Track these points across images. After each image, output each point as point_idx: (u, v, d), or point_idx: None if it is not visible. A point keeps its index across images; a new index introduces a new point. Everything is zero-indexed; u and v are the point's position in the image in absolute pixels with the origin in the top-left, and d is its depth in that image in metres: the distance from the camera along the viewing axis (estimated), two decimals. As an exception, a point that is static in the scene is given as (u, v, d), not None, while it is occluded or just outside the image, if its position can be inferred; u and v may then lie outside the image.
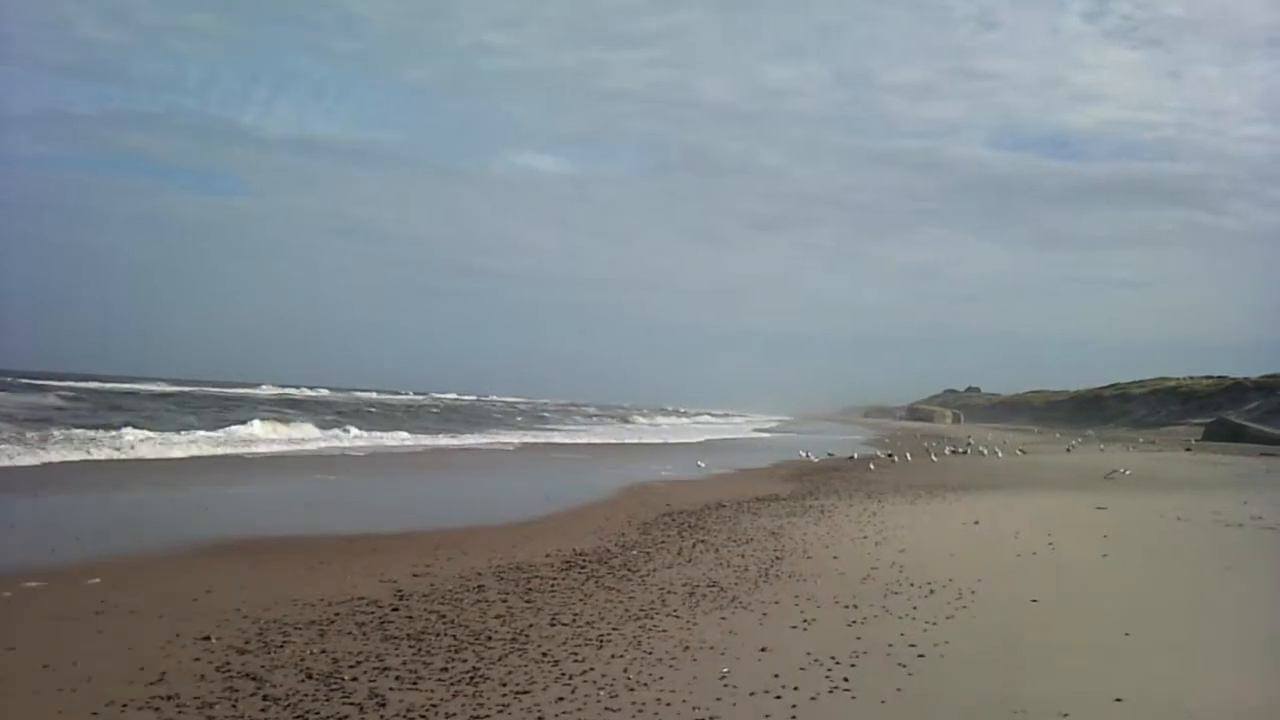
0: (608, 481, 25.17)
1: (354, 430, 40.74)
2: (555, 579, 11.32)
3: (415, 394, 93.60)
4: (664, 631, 8.78)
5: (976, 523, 16.71)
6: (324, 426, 40.95)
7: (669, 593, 10.56)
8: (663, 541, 14.57)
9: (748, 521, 17.16)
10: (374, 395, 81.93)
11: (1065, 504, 20.50)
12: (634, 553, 13.48)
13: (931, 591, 10.58)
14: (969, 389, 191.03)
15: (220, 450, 29.25)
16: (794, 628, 9.00)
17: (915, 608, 9.79)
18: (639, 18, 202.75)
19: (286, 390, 78.31)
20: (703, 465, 31.14)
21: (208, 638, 8.25)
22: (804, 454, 39.45)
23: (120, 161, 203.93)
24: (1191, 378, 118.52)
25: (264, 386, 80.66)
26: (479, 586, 10.74)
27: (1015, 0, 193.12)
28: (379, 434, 40.92)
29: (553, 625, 8.94)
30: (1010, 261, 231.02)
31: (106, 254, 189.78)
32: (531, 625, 8.92)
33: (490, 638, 8.45)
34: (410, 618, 9.12)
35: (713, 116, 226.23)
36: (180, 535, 13.77)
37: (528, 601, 9.99)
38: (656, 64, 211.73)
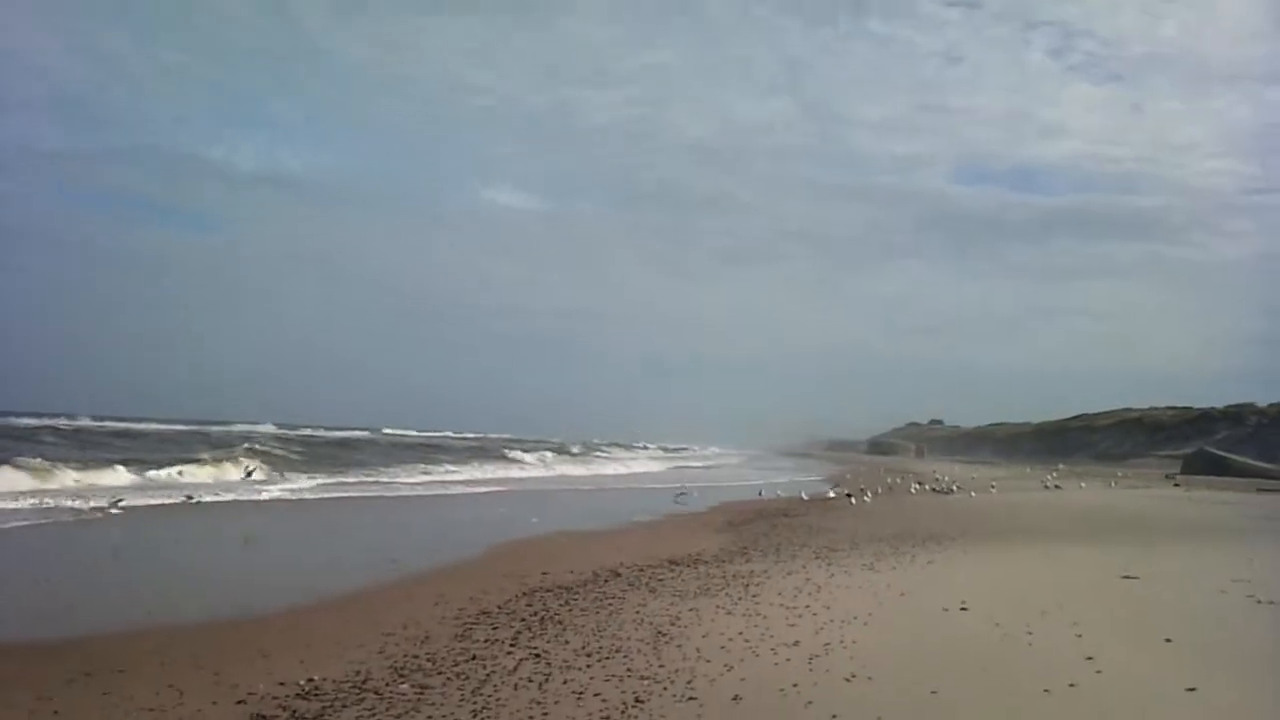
0: (489, 535, 19.71)
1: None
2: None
3: (369, 430, 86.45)
4: None
5: (963, 608, 11.36)
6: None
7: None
8: (473, 657, 9.09)
9: (634, 606, 11.77)
10: (321, 432, 74.51)
11: (1078, 569, 15.19)
12: (402, 687, 7.98)
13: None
14: (932, 421, 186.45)
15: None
16: None
17: None
18: (612, 56, 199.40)
19: (235, 426, 71.33)
20: (625, 510, 25.67)
21: None
22: (761, 494, 34.37)
23: (87, 196, 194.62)
24: (1155, 408, 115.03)
25: (234, 425, 73.39)
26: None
27: (980, 37, 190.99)
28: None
29: None
30: (975, 294, 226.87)
31: (70, 287, 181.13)
32: None
33: None
34: None
35: (685, 153, 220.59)
36: None
37: None
38: (630, 103, 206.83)
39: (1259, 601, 11.73)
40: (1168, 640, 9.44)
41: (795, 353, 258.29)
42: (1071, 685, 7.80)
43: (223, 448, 44.88)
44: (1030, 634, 9.81)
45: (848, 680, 8.11)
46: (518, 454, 65.13)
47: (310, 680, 8.18)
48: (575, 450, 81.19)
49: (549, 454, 70.15)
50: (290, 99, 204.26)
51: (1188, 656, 8.80)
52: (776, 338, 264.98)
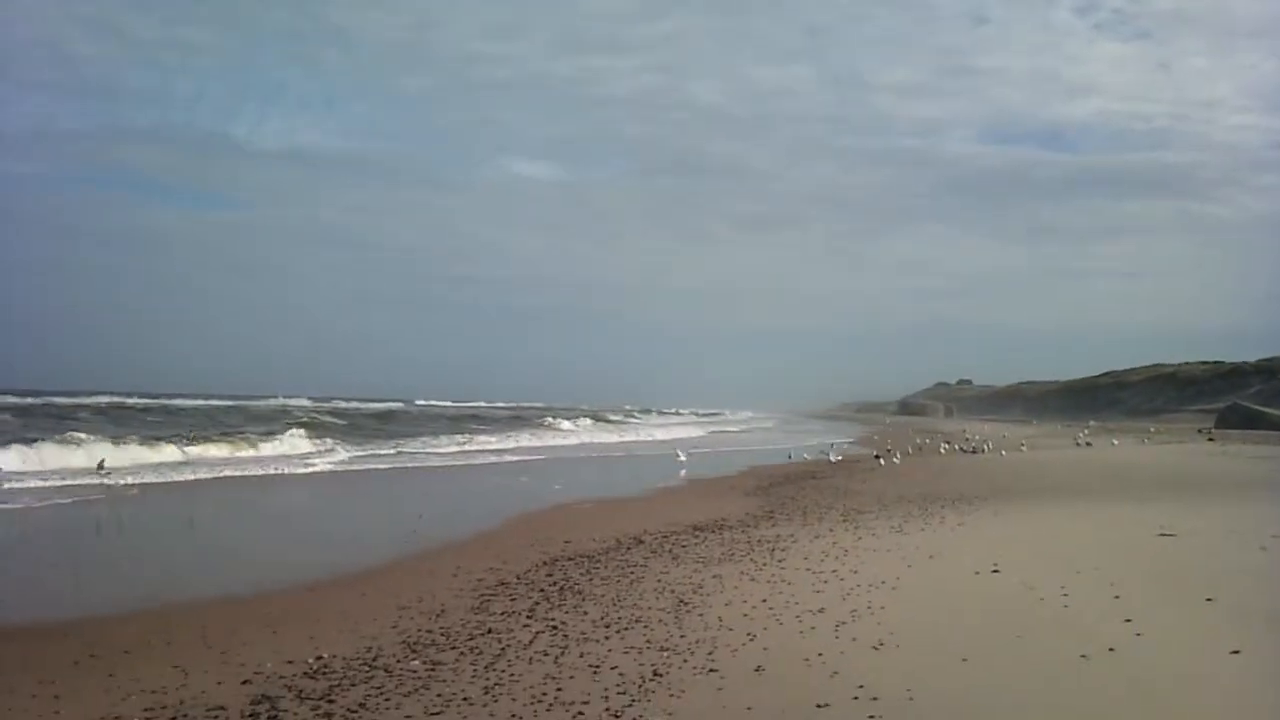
0: (513, 504, 19.50)
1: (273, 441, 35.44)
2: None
3: (402, 402, 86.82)
4: None
5: (995, 570, 11.00)
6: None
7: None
8: (489, 631, 8.84)
9: (656, 574, 11.49)
10: (355, 404, 75.00)
11: (1113, 528, 14.78)
12: (414, 663, 7.74)
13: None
14: (960, 382, 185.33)
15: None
16: None
17: None
18: (629, 25, 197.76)
19: (270, 401, 71.61)
20: (650, 476, 25.41)
21: None
22: (790, 457, 34.21)
23: (106, 177, 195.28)
24: (1187, 363, 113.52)
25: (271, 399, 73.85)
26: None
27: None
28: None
29: None
30: (1002, 255, 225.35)
31: (89, 268, 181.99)
32: None
33: None
34: None
35: (703, 120, 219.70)
36: None
37: None
38: (647, 70, 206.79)
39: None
40: (1209, 600, 9.05)
41: (823, 317, 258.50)
42: (1111, 650, 7.44)
43: (262, 421, 45.11)
44: (1066, 596, 9.45)
45: (875, 649, 7.79)
46: (555, 422, 65.18)
47: (319, 658, 7.95)
48: (613, 417, 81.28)
49: (587, 420, 70.34)
50: (311, 76, 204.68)
51: (1230, 617, 8.41)
52: (804, 303, 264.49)
